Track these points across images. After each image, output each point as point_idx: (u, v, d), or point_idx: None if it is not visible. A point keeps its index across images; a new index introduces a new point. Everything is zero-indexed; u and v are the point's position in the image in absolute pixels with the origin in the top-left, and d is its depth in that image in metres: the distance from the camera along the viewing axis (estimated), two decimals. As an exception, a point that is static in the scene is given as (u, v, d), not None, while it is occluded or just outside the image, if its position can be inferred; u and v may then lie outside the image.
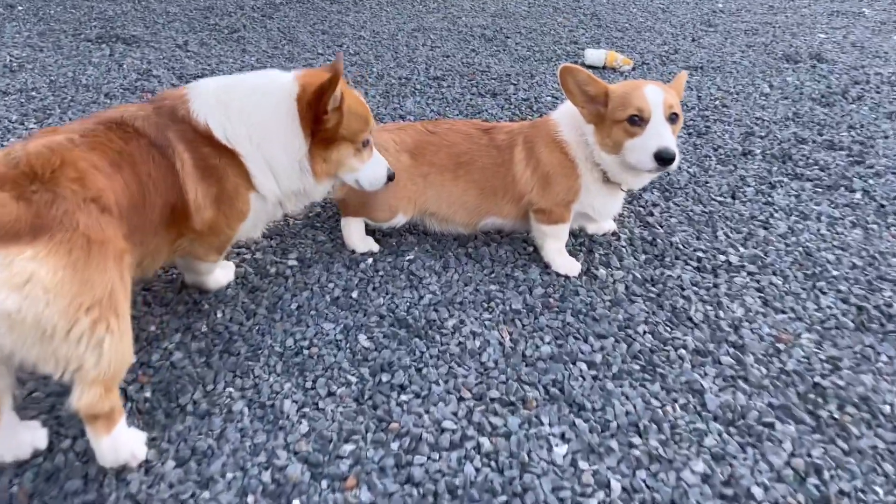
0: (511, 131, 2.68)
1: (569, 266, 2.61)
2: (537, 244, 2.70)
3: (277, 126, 2.09)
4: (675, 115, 2.35)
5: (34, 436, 1.83)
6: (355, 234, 2.70)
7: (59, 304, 1.52)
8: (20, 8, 5.95)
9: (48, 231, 1.55)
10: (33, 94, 4.12)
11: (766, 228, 2.92)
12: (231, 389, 2.06)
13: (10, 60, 4.66)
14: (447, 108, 4.09)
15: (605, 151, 2.45)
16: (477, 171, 2.64)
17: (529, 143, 2.60)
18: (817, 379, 2.13)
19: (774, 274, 2.63)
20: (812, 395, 2.07)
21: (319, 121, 2.10)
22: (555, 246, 2.63)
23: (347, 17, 6.04)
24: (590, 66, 4.80)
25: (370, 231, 2.78)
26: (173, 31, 5.48)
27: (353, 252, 2.70)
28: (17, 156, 1.64)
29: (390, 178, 2.39)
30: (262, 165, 2.10)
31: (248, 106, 2.07)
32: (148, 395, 2.03)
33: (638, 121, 2.32)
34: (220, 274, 2.46)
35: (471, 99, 4.23)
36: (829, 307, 2.45)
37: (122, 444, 1.74)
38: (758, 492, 1.77)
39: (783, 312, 2.43)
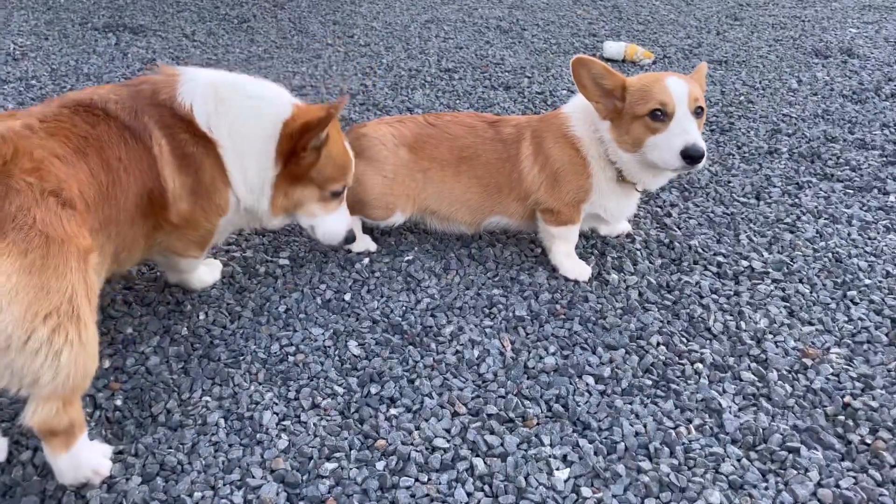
0: (518, 124, 2.51)
1: (578, 270, 2.44)
2: (545, 246, 2.53)
3: (260, 141, 2.00)
4: (701, 108, 2.19)
5: (-7, 447, 1.70)
6: (351, 232, 2.55)
7: (14, 313, 1.37)
8: (30, -4, 5.87)
9: (0, 230, 1.41)
10: (33, 82, 4.02)
11: (792, 232, 2.73)
12: (208, 398, 1.91)
13: (14, 49, 4.57)
14: (458, 101, 3.93)
15: (622, 149, 2.28)
16: (481, 167, 2.47)
17: (538, 137, 2.43)
18: (847, 399, 1.96)
19: (801, 282, 2.44)
20: (841, 418, 1.90)
21: (295, 154, 2.01)
22: (563, 248, 2.47)
23: (361, 7, 5.89)
24: (608, 60, 4.61)
25: (368, 229, 2.62)
26: (182, 20, 5.37)
27: (349, 251, 2.54)
28: None
29: (348, 240, 2.30)
30: (237, 165, 2.00)
31: (245, 109, 1.99)
32: (119, 403, 1.89)
33: (661, 116, 2.15)
34: (205, 272, 2.33)
35: (483, 92, 4.07)
36: (861, 319, 2.27)
37: (82, 461, 1.60)
38: (780, 528, 1.61)
39: (810, 324, 2.25)
